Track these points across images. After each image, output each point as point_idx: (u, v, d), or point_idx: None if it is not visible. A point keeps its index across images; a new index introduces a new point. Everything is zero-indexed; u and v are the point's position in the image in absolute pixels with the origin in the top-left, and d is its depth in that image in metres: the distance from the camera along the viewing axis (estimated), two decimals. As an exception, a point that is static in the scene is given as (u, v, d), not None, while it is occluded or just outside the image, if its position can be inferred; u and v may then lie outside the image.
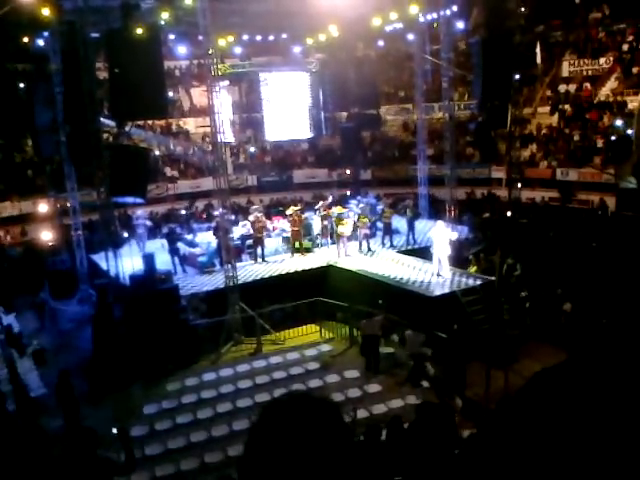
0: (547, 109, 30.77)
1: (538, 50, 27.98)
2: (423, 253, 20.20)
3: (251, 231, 20.83)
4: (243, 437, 1.38)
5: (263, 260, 20.69)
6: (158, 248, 21.34)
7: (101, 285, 19.20)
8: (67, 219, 23.13)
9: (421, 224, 23.49)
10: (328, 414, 1.37)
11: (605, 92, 29.12)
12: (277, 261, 20.80)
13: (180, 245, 21.25)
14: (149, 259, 17.56)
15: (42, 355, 17.16)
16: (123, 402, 14.37)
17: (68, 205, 22.52)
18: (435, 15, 24.53)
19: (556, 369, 1.38)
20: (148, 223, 24.16)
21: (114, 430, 11.80)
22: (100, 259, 20.56)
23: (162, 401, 14.63)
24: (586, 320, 16.36)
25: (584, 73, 30.48)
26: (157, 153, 31.49)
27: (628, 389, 1.28)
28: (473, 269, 19.75)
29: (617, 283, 16.56)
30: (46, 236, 24.61)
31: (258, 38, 29.49)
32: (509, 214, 19.08)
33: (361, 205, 23.67)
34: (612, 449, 1.20)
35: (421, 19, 25.46)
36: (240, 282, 18.21)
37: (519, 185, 20.35)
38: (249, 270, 19.81)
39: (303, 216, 21.99)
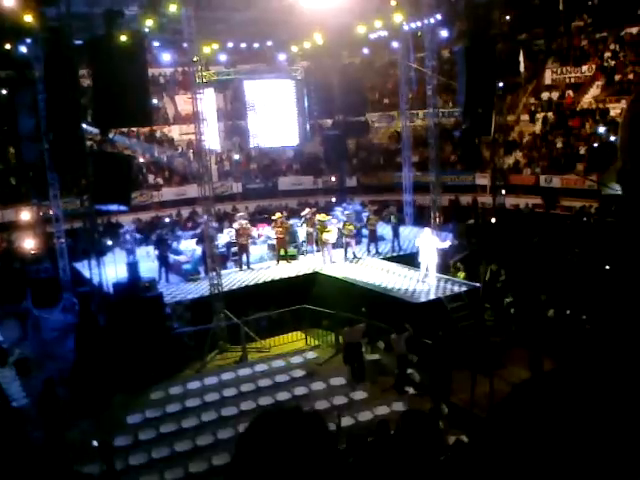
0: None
1: (521, 58, 28.25)
2: (408, 260, 20.24)
3: (235, 238, 20.77)
4: (228, 446, 1.38)
5: (248, 267, 20.63)
6: (143, 256, 21.24)
7: (84, 293, 19.03)
8: (50, 227, 22.94)
9: (406, 231, 23.55)
10: (315, 428, 1.35)
11: (587, 99, 29.43)
12: (262, 268, 20.75)
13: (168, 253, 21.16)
14: (133, 267, 17.45)
15: (25, 364, 16.95)
16: (106, 411, 14.22)
17: (51, 213, 22.34)
18: (419, 23, 24.64)
19: (540, 378, 1.37)
20: (138, 236, 24.10)
21: (94, 443, 11.73)
22: (83, 267, 20.41)
23: (146, 410, 14.47)
24: (569, 326, 16.45)
25: (567, 81, 30.79)
26: (141, 160, 31.37)
27: (611, 396, 1.27)
28: (462, 275, 19.81)
29: (600, 289, 16.67)
30: (28, 244, 24.38)
31: (243, 45, 29.50)
32: (493, 220, 19.19)
33: (347, 212, 23.69)
34: (597, 455, 1.19)
35: (405, 27, 25.61)
36: (225, 290, 18.16)
37: (503, 192, 20.49)
38: (234, 278, 19.74)
39: (288, 223, 21.98)
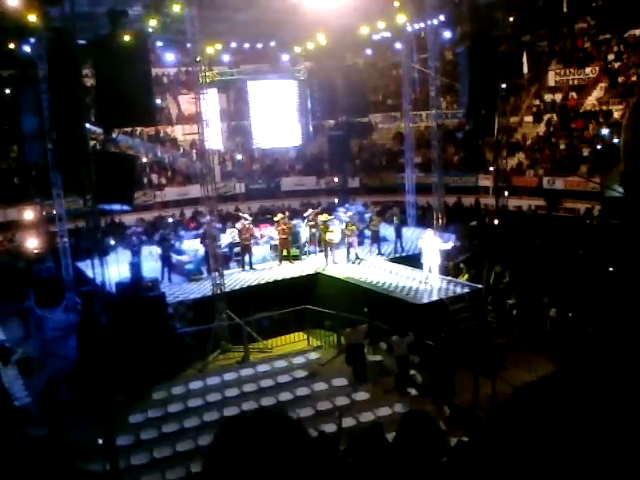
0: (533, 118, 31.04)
1: (525, 59, 28.22)
2: (411, 261, 20.23)
3: (238, 239, 20.78)
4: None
5: (251, 268, 20.64)
6: (145, 256, 21.26)
7: (87, 293, 19.05)
8: (53, 226, 22.97)
9: (409, 232, 23.53)
10: (288, 431, 1.32)
11: (591, 101, 29.40)
12: (265, 269, 20.76)
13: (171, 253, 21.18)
14: (136, 266, 17.46)
15: (27, 363, 16.98)
16: (108, 411, 14.23)
17: (54, 212, 22.38)
18: (422, 24, 24.65)
19: (541, 382, 1.37)
20: (144, 237, 24.16)
21: (100, 441, 11.75)
22: (86, 267, 20.43)
23: (148, 410, 14.50)
24: (572, 328, 16.43)
25: (570, 82, 30.75)
26: (144, 160, 31.41)
27: (613, 399, 1.27)
28: (465, 277, 19.78)
29: (603, 291, 16.66)
30: (32, 243, 24.41)
31: (246, 46, 29.53)
32: (496, 222, 19.15)
33: (349, 213, 23.69)
34: (598, 457, 1.19)
35: (409, 28, 25.57)
36: (227, 290, 18.17)
37: (506, 193, 20.44)
38: (236, 278, 19.75)
39: (291, 224, 21.98)
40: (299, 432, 1.35)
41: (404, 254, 21.63)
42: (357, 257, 21.12)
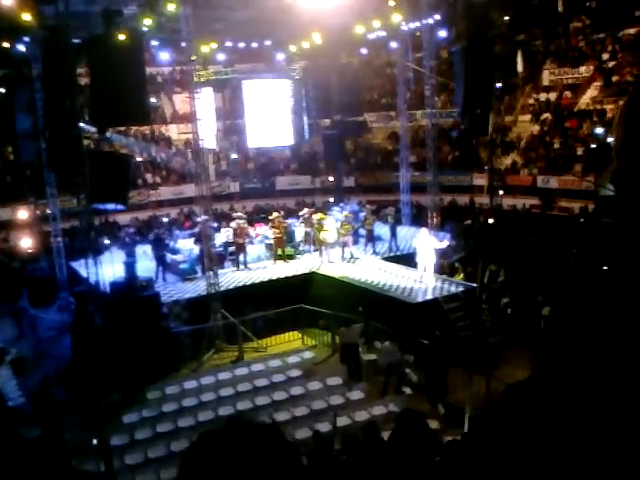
0: (528, 117, 31.07)
1: (519, 59, 28.28)
2: (406, 260, 20.25)
3: (233, 238, 20.76)
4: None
5: (245, 267, 20.63)
6: (140, 255, 21.22)
7: (81, 292, 19.00)
8: (47, 226, 22.91)
9: (404, 231, 23.56)
10: (267, 440, 1.28)
11: (585, 100, 29.46)
12: (259, 268, 20.75)
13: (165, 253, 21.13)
14: (130, 266, 17.43)
15: (21, 363, 16.93)
16: (103, 411, 14.20)
17: (48, 211, 22.31)
18: (418, 24, 24.68)
19: (534, 379, 1.37)
20: (137, 238, 24.14)
21: (94, 441, 11.71)
22: (80, 266, 20.39)
23: (142, 409, 14.46)
24: (565, 326, 16.47)
25: (564, 82, 30.81)
26: (139, 159, 31.35)
27: (606, 396, 1.27)
28: (460, 276, 19.81)
29: (597, 289, 16.69)
30: (25, 243, 24.33)
31: (241, 45, 29.52)
32: (491, 221, 19.19)
33: (345, 212, 23.70)
34: (590, 454, 1.19)
35: (404, 27, 25.61)
36: (222, 289, 18.16)
37: (500, 192, 20.51)
38: (231, 277, 19.74)
39: (286, 223, 21.98)
40: (275, 437, 1.32)
41: (399, 253, 21.65)
42: (352, 256, 21.13)
